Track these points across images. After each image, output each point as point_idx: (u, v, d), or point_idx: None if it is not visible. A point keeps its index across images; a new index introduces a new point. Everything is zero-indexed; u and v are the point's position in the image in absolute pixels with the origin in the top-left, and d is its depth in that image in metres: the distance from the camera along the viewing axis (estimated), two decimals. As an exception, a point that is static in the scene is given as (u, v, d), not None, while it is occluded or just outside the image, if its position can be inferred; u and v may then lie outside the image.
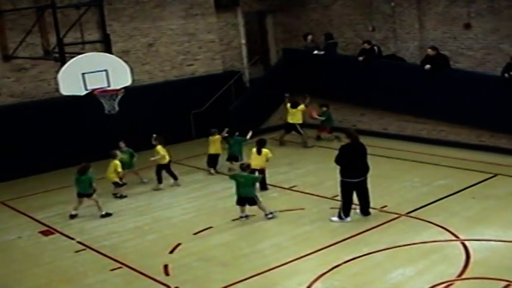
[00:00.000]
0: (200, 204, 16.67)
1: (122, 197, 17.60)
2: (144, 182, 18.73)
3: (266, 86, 24.68)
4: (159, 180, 18.22)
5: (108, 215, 16.14)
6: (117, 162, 17.44)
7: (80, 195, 16.19)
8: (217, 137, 19.26)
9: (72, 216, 16.17)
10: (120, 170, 17.43)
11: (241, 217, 15.22)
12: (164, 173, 18.20)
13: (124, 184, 17.77)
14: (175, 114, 23.35)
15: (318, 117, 22.25)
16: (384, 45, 22.88)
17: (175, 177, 18.42)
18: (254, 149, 17.23)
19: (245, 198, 15.09)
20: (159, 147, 17.98)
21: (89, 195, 16.17)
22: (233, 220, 15.19)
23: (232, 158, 19.14)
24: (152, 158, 18.06)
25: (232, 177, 15.60)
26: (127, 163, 18.28)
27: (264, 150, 17.10)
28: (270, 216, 15.07)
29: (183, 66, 24.38)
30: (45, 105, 20.63)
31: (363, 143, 14.94)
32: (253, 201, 15.06)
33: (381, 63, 21.98)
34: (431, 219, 14.08)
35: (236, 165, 18.23)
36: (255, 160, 17.02)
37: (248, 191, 15.05)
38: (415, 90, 20.85)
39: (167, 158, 18.17)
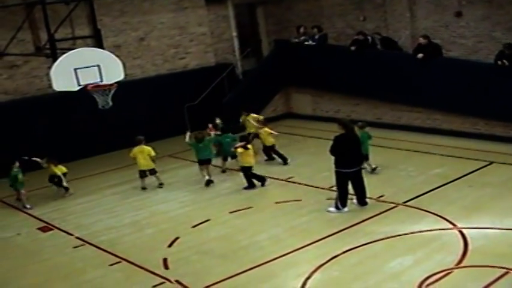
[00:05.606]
0: (196, 197, 16.68)
1: (161, 185, 17.82)
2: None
3: (259, 78, 24.75)
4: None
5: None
6: (148, 148, 17.53)
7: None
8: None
9: (208, 182, 17.30)
10: (153, 153, 17.55)
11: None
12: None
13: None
14: (169, 108, 23.35)
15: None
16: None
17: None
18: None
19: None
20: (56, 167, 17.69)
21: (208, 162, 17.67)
22: (230, 212, 15.23)
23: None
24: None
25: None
26: (22, 182, 17.39)
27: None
28: None
29: (175, 60, 24.38)
30: (39, 101, 20.59)
31: (357, 133, 14.97)
32: None
33: (374, 53, 21.97)
34: (428, 208, 14.10)
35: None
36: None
37: None
38: (408, 80, 20.90)
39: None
